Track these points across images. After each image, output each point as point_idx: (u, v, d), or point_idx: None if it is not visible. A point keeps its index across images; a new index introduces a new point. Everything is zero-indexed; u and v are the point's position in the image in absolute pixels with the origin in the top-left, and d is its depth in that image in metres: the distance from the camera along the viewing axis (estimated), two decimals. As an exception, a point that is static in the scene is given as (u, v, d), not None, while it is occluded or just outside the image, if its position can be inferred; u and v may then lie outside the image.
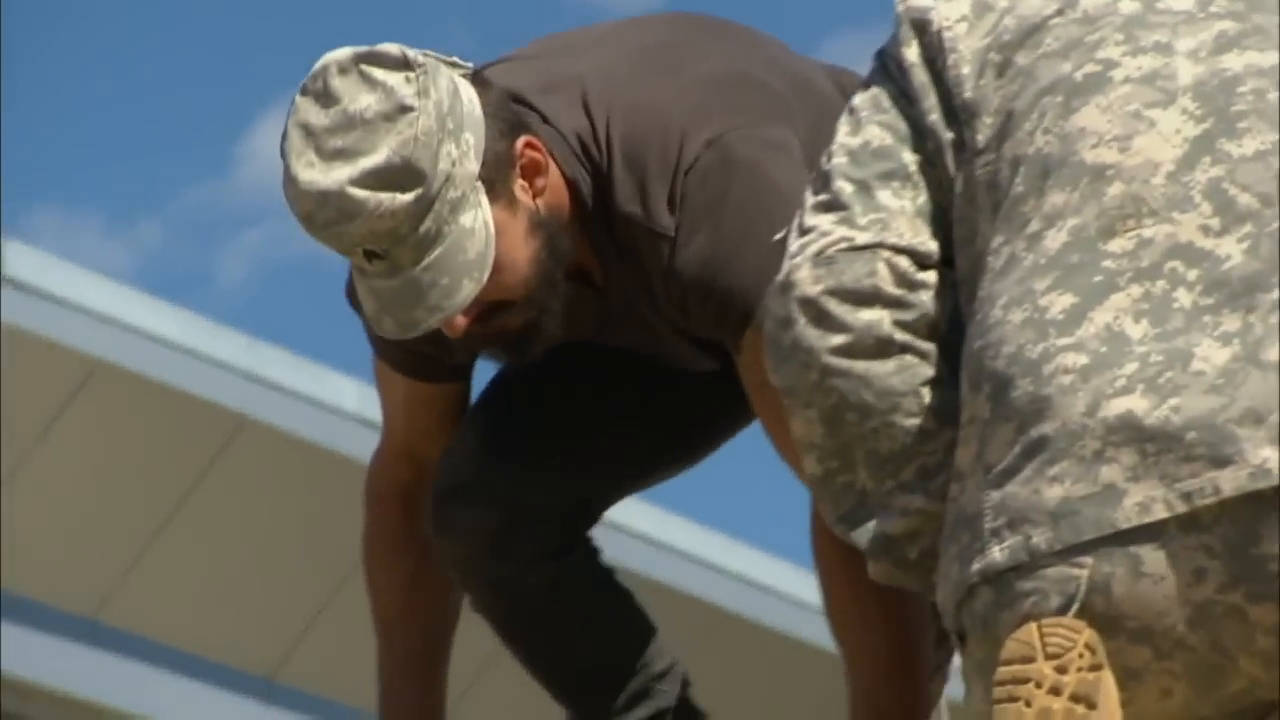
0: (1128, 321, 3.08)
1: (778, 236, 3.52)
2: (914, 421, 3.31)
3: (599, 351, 4.09)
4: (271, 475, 16.00)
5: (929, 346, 3.33)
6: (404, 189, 3.51)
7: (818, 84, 3.97)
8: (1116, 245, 3.13)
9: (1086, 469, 3.04)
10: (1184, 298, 3.07)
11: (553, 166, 3.71)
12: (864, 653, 3.72)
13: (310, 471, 15.94)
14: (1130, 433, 3.02)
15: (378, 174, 3.49)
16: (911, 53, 3.42)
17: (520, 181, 3.67)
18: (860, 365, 3.30)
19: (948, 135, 3.35)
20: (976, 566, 3.10)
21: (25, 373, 15.19)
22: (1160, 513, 3.01)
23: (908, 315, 3.32)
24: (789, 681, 17.54)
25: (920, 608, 3.71)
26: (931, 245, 3.36)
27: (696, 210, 3.72)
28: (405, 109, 3.52)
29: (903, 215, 3.36)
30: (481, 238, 3.58)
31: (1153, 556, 3.01)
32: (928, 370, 3.31)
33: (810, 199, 3.41)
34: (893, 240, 3.34)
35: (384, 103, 3.51)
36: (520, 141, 3.66)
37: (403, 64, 3.54)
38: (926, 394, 3.31)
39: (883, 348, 3.31)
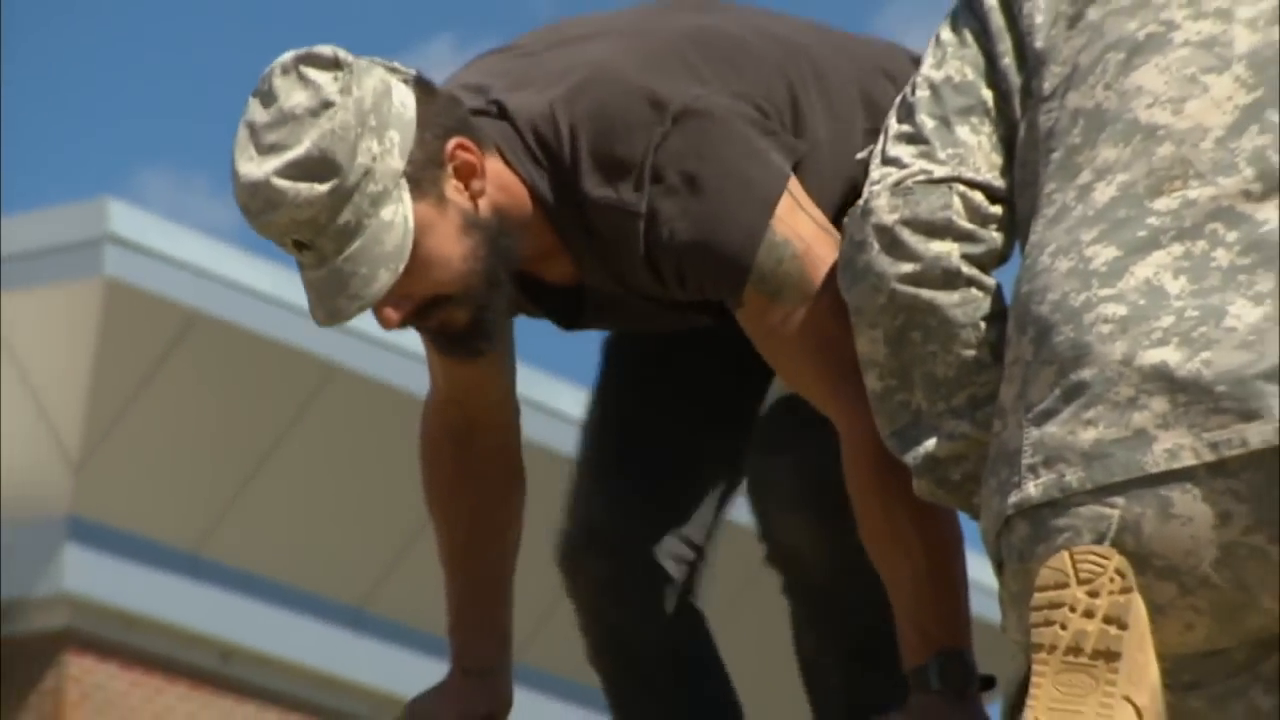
0: (1167, 277, 3.07)
1: (860, 157, 3.58)
2: (970, 353, 3.35)
3: (661, 366, 4.15)
4: (359, 419, 16.09)
5: (992, 282, 3.37)
6: (321, 180, 3.57)
7: (810, 49, 3.94)
8: (1162, 204, 3.12)
9: (1120, 414, 3.03)
10: (1222, 257, 3.06)
11: (498, 167, 3.74)
12: (901, 575, 3.72)
13: (394, 414, 16.00)
14: (1163, 382, 3.02)
15: (298, 165, 3.57)
16: None
17: (453, 181, 3.70)
18: (926, 294, 3.34)
19: (1017, 80, 3.36)
20: (1013, 499, 3.09)
21: (128, 324, 15.28)
22: (1188, 459, 3.00)
23: (976, 249, 3.35)
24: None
25: (955, 529, 3.70)
26: (1003, 181, 3.39)
27: (674, 182, 3.72)
28: (327, 104, 3.59)
29: (979, 150, 3.41)
30: (400, 231, 3.62)
31: (1182, 499, 3.01)
32: (988, 305, 3.35)
33: (894, 128, 3.46)
34: (969, 175, 3.37)
35: (311, 99, 3.59)
36: (452, 143, 3.68)
37: (332, 64, 3.61)
38: (984, 327, 3.35)
39: (950, 279, 3.35)
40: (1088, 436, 3.04)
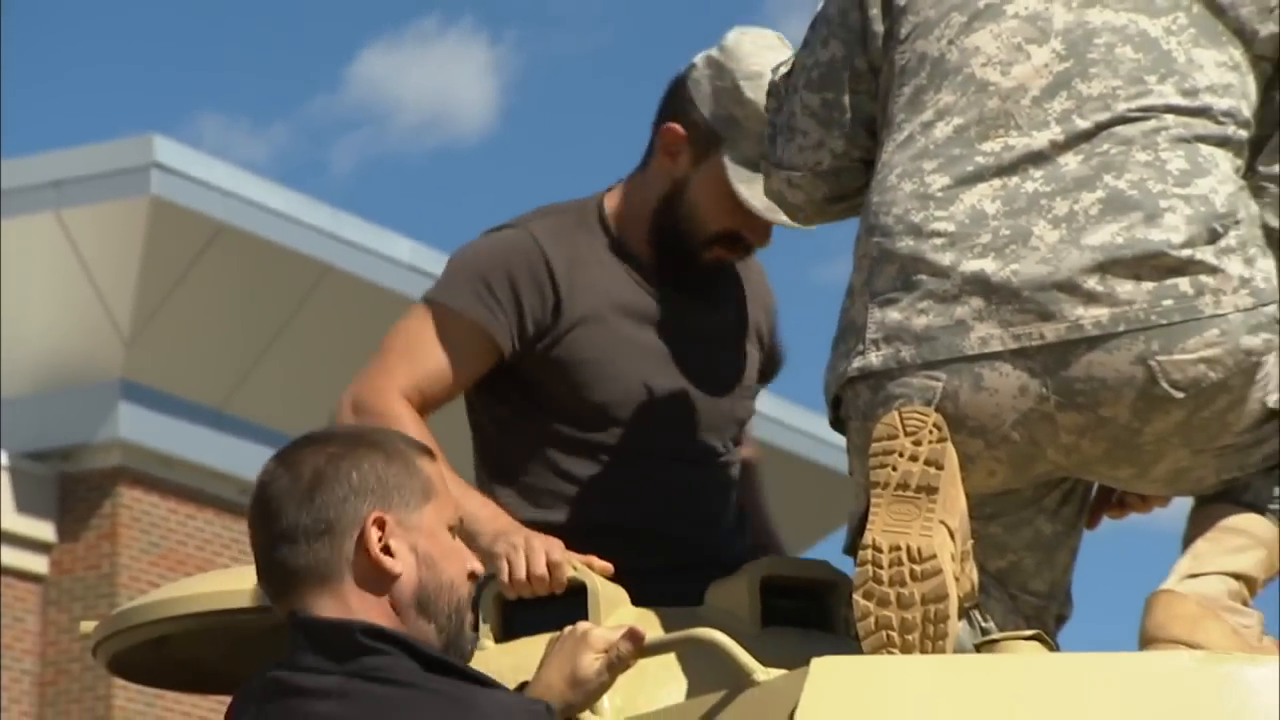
0: (987, 203, 3.02)
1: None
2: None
3: None
4: (348, 310, 15.96)
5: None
6: None
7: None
8: (988, 146, 3.07)
9: (946, 307, 3.00)
10: (1029, 187, 3.02)
11: None
12: None
13: (377, 306, 15.90)
14: (980, 285, 2.98)
15: None
16: None
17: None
18: None
19: (881, 28, 3.23)
20: (857, 364, 3.05)
21: (169, 233, 15.15)
22: (996, 346, 2.98)
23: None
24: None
25: None
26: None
27: None
28: None
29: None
30: None
31: (990, 375, 2.98)
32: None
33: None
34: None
35: None
36: None
37: None
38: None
39: None
40: (920, 322, 3.01)
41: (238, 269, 15.48)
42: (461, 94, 31.01)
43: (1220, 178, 3.01)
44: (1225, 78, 3.06)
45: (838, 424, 3.18)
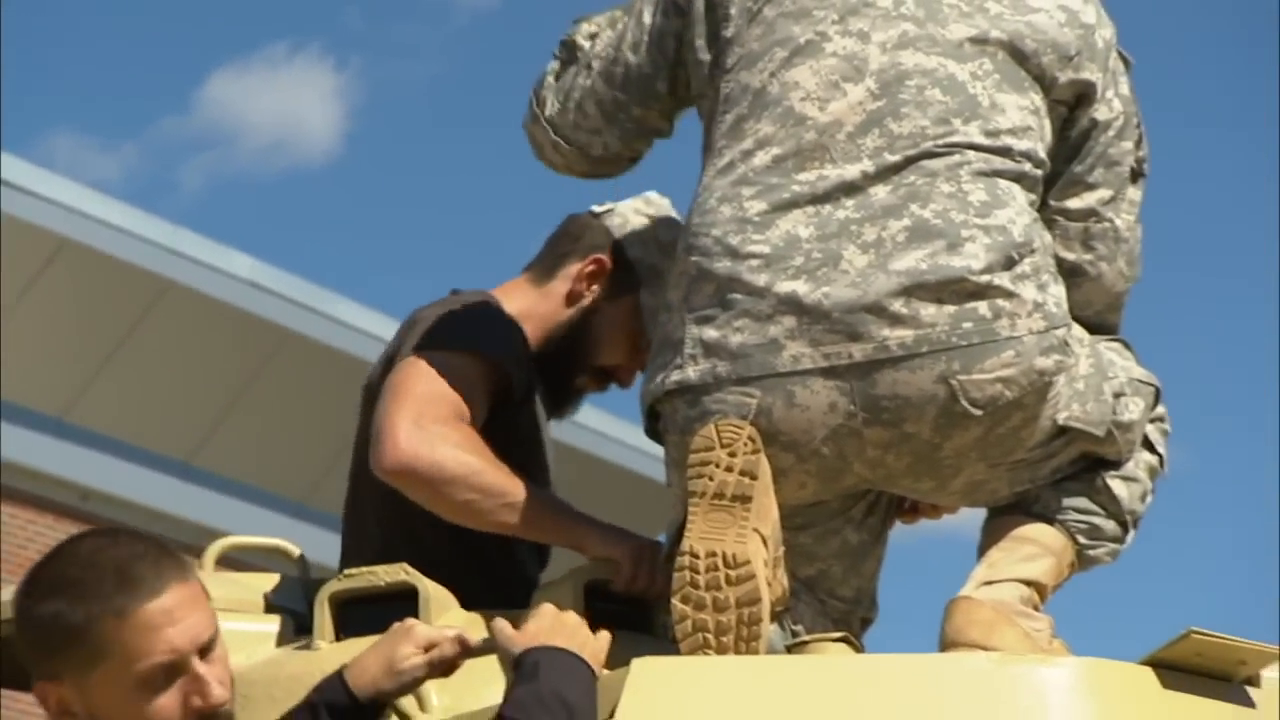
0: (801, 228, 3.04)
1: None
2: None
3: None
4: (189, 325, 15.79)
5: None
6: None
7: None
8: (804, 176, 3.09)
9: (760, 326, 3.01)
10: (840, 214, 3.04)
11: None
12: None
13: (215, 321, 15.77)
14: (793, 305, 3.00)
15: None
16: None
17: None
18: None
19: (707, 57, 3.26)
20: (675, 377, 3.06)
21: (11, 247, 14.94)
22: (807, 364, 2.99)
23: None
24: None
25: None
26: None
27: None
28: None
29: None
30: None
31: (802, 393, 3.00)
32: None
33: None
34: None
35: None
36: None
37: None
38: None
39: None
40: (736, 340, 3.02)
41: (80, 283, 15.28)
42: (308, 118, 30.82)
43: (1017, 210, 3.05)
44: (1025, 120, 3.11)
45: (654, 434, 3.19)
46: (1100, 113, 3.18)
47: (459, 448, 3.26)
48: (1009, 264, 3.01)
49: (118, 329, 15.64)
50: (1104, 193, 3.21)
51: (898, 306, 2.97)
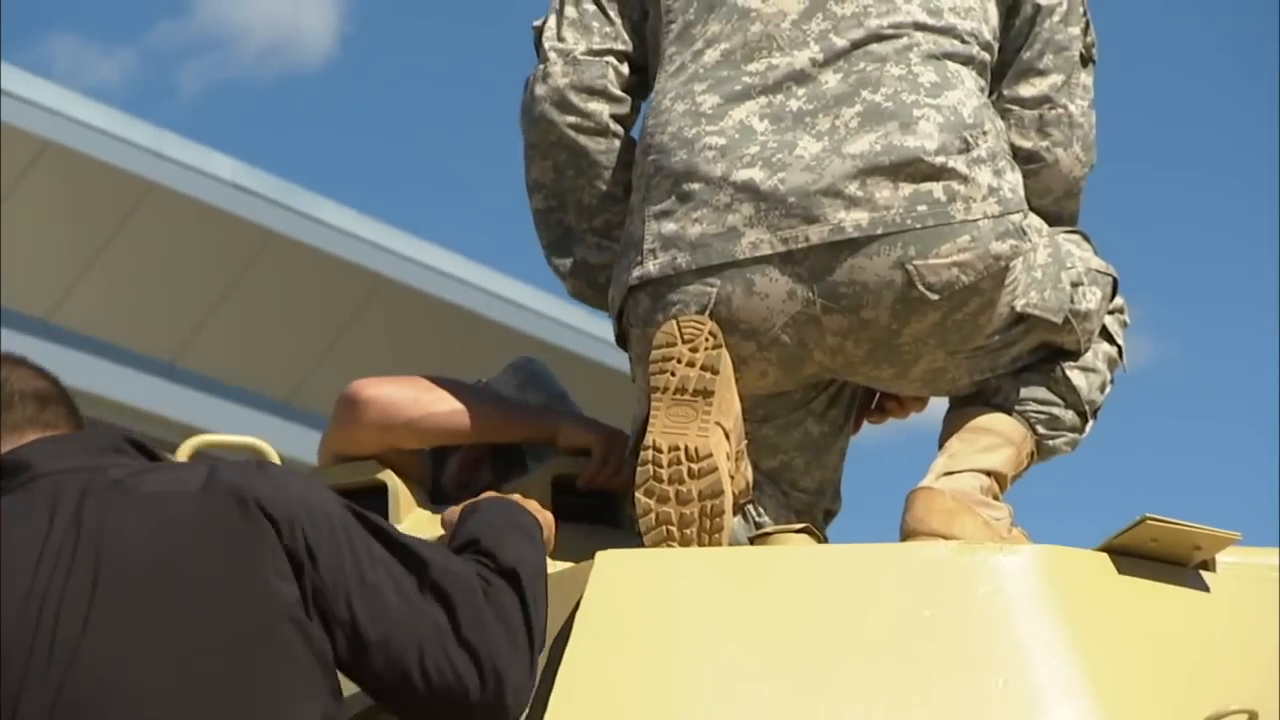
0: (755, 120, 3.05)
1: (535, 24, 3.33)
2: (610, 188, 3.27)
3: None
4: (172, 226, 15.76)
5: (629, 136, 3.28)
6: None
7: None
8: (753, 67, 3.09)
9: (718, 215, 3.01)
10: (793, 105, 3.04)
11: None
12: None
13: (199, 223, 15.74)
14: (750, 193, 3.00)
15: None
16: None
17: None
18: (583, 140, 3.25)
19: None
20: (637, 274, 3.06)
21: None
22: (765, 250, 2.99)
23: (621, 110, 3.27)
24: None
25: None
26: (643, 50, 3.29)
27: None
28: None
29: (628, 26, 3.29)
30: None
31: (761, 280, 3.00)
32: (625, 153, 3.25)
33: (568, 13, 3.29)
34: (620, 48, 3.28)
35: None
36: None
37: None
38: (620, 169, 3.26)
39: (601, 131, 3.26)
40: (694, 230, 3.02)
41: (65, 186, 15.24)
42: (305, 21, 30.53)
43: (966, 92, 3.06)
44: (966, 1, 3.11)
45: (621, 340, 3.19)
46: None
47: (397, 383, 3.35)
48: (964, 147, 3.01)
49: (102, 231, 15.61)
50: (1055, 78, 3.20)
51: (853, 189, 2.98)
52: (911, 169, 2.99)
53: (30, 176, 15.16)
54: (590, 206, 3.29)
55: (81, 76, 27.47)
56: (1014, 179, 3.07)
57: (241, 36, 32.49)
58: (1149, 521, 2.77)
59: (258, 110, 29.49)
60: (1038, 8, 3.19)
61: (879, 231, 2.97)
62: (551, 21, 3.32)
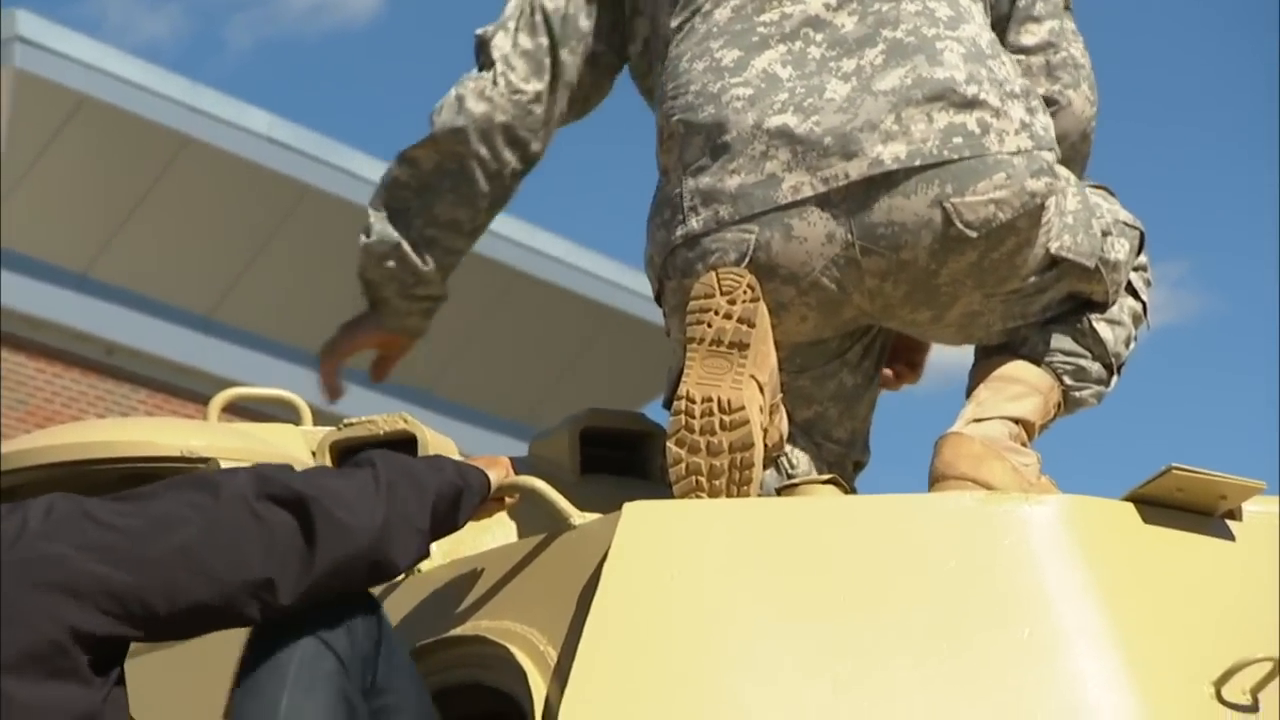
0: (778, 67, 3.05)
1: None
2: (461, 217, 3.35)
3: None
4: (207, 180, 15.78)
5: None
6: None
7: None
8: (767, 17, 3.10)
9: (756, 164, 3.02)
10: (815, 52, 3.05)
11: None
12: None
13: (233, 177, 15.75)
14: (785, 138, 3.01)
15: None
16: None
17: None
18: (478, 173, 3.33)
19: None
20: (680, 232, 3.06)
21: (30, 104, 14.90)
22: (806, 192, 2.99)
23: (525, 166, 3.35)
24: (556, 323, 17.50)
25: None
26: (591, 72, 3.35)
27: None
28: None
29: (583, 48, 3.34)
30: None
31: (800, 224, 3.00)
32: (495, 198, 3.37)
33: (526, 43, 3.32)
34: (566, 80, 3.34)
35: None
36: None
37: None
38: (476, 211, 3.37)
39: (496, 175, 3.35)
40: (733, 182, 3.02)
41: (99, 139, 15.25)
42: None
43: (979, 26, 3.10)
44: None
45: (659, 297, 3.19)
46: None
47: None
48: (992, 81, 3.02)
49: (139, 185, 15.64)
50: (1052, 24, 3.24)
51: (889, 124, 2.99)
52: (944, 100, 3.00)
53: (66, 132, 15.19)
54: (434, 217, 3.33)
55: (131, 34, 27.49)
56: (1045, 120, 3.08)
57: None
58: (1174, 471, 2.77)
59: (302, 66, 29.50)
60: None
61: (916, 163, 2.98)
62: (503, 41, 3.33)
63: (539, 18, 3.32)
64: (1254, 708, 2.67)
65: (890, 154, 2.97)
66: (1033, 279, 3.08)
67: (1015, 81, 3.06)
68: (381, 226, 3.34)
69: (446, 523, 2.73)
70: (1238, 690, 2.67)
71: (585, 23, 3.32)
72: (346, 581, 2.58)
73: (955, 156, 2.97)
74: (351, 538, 2.57)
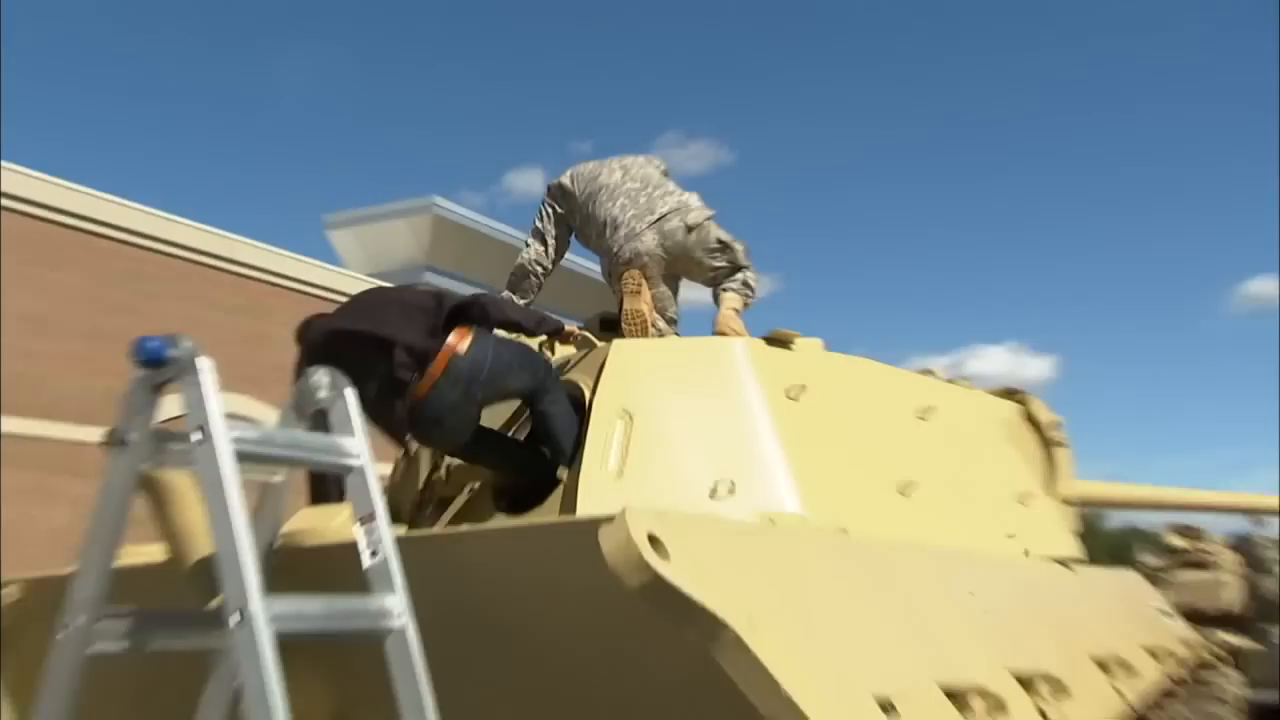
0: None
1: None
2: (522, 295, 5.89)
3: None
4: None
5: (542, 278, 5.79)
6: None
7: None
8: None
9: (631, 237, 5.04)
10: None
11: None
12: None
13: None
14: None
15: None
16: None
17: None
18: (534, 269, 5.93)
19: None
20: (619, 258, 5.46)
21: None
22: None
23: (542, 275, 5.74)
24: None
25: None
26: (566, 237, 5.96)
27: None
28: None
29: (563, 231, 5.91)
30: None
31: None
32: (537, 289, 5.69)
33: (550, 230, 5.96)
34: (556, 247, 5.91)
35: None
36: None
37: None
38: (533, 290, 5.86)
39: (532, 273, 6.07)
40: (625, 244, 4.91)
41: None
42: None
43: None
44: None
45: (610, 278, 5.23)
46: None
47: None
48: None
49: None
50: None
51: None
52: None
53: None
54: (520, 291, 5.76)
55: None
56: None
57: None
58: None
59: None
60: None
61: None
62: (540, 224, 5.95)
63: (546, 236, 6.09)
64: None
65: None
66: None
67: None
68: (516, 281, 6.15)
69: (543, 326, 5.10)
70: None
71: (555, 230, 6.04)
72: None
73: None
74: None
